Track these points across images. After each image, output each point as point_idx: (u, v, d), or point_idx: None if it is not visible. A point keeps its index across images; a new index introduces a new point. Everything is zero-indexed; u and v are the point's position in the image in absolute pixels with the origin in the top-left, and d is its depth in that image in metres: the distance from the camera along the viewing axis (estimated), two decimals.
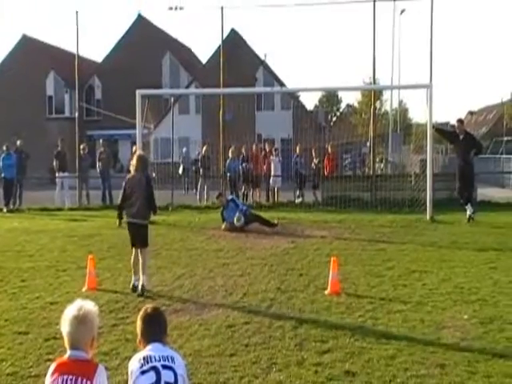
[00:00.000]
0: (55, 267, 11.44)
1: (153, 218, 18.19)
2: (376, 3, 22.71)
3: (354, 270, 10.78)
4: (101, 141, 26.18)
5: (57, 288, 9.77)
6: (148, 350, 4.19)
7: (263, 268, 11.17)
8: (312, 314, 8.12)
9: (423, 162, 27.22)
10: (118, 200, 21.58)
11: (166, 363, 4.08)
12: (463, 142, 17.51)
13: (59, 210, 22.09)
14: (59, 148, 24.15)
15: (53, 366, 4.16)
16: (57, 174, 23.89)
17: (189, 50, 66.84)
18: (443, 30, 78.38)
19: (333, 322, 7.68)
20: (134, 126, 20.53)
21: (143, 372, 4.07)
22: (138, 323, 4.39)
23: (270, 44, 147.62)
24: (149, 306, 4.48)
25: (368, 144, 42.48)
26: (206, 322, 7.80)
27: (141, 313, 4.40)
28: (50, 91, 53.15)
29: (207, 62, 47.69)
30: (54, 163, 23.92)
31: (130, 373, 4.14)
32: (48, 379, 4.11)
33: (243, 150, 24.37)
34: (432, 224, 17.05)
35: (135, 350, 6.62)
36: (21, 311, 8.40)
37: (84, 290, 9.53)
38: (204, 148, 25.05)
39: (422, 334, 7.15)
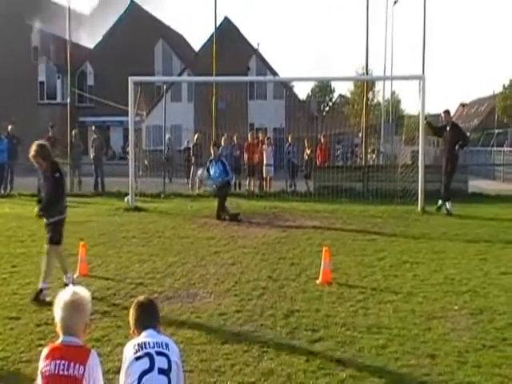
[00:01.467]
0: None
1: (144, 205, 18.34)
2: None
3: (345, 260, 10.81)
4: (93, 128, 25.97)
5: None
6: (143, 337, 4.20)
7: (255, 257, 11.18)
8: (303, 303, 8.14)
9: (414, 153, 27.30)
10: (110, 187, 21.63)
11: (161, 350, 4.09)
12: (450, 133, 17.52)
13: None
14: (50, 134, 23.99)
15: (45, 351, 4.16)
16: None
17: (181, 38, 66.60)
18: (436, 22, 78.63)
19: (324, 312, 7.69)
20: (126, 113, 20.46)
21: (137, 358, 4.08)
22: (132, 312, 4.42)
23: (263, 33, 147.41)
24: (141, 297, 4.54)
25: (360, 135, 42.62)
26: (198, 309, 7.81)
27: (133, 303, 4.43)
28: (41, 77, 52.89)
29: (200, 50, 47.56)
30: None
31: (124, 359, 4.16)
32: (41, 364, 4.12)
33: (235, 139, 24.34)
34: (423, 215, 17.09)
35: (127, 337, 6.65)
36: (12, 296, 8.39)
37: (75, 276, 9.50)
38: (196, 136, 24.96)
39: (413, 325, 7.18)
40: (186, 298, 8.35)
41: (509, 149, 36.44)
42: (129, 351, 4.15)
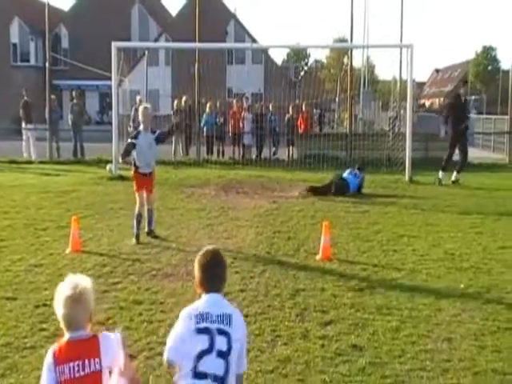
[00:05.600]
0: (33, 226, 11.08)
1: (127, 173, 17.98)
2: None
3: (342, 234, 10.63)
4: (73, 93, 25.27)
5: (39, 249, 9.43)
6: (205, 304, 3.90)
7: (249, 230, 10.97)
8: (307, 281, 7.95)
9: (392, 120, 27.18)
10: (89, 154, 21.19)
11: (222, 327, 3.78)
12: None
13: (29, 162, 21.55)
14: (25, 98, 23.36)
15: (52, 354, 3.82)
16: (23, 126, 23.20)
17: (158, 1, 65.36)
18: None
19: (330, 291, 7.51)
20: (102, 77, 19.96)
21: (198, 331, 3.82)
22: (197, 267, 4.03)
23: None
24: (208, 248, 4.12)
25: (337, 100, 42.40)
26: None
27: (200, 258, 4.01)
28: (14, 38, 51.64)
29: (177, 14, 46.76)
30: (21, 114, 23.19)
31: (181, 323, 3.85)
32: (51, 371, 3.80)
33: (218, 105, 23.98)
34: (411, 185, 17.01)
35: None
36: (5, 274, 8.09)
37: (68, 251, 9.22)
38: (176, 102, 24.41)
39: (423, 305, 7.03)
40: (185, 276, 8.06)
41: (486, 116, 36.49)
42: (187, 319, 3.83)
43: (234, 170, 20.22)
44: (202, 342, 3.75)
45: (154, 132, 10.51)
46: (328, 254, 9.09)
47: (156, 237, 10.34)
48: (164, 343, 5.41)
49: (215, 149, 23.44)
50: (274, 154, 23.67)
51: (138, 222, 10.17)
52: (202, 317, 3.82)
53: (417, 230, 11.12)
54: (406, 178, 17.60)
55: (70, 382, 3.81)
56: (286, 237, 10.48)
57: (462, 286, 7.82)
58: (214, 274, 3.99)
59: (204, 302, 3.92)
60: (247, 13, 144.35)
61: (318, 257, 9.11)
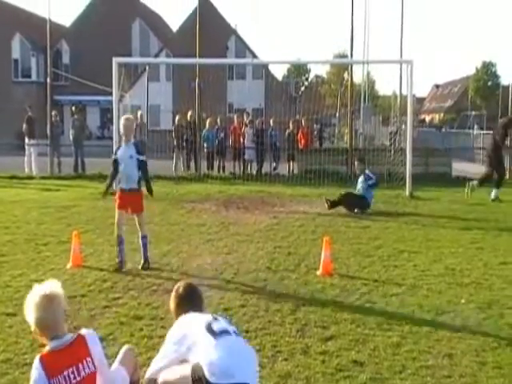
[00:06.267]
0: (34, 241, 11.08)
1: None
2: None
3: (342, 250, 10.63)
4: (73, 108, 25.39)
5: (39, 264, 9.43)
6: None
7: (250, 245, 10.97)
8: (308, 296, 7.95)
9: (392, 135, 27.24)
10: (90, 168, 21.26)
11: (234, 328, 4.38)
12: None
13: (30, 178, 21.60)
14: (29, 113, 23.48)
15: (40, 368, 3.84)
16: (26, 141, 23.29)
17: (159, 17, 65.77)
18: (411, 3, 78.27)
19: (330, 306, 7.50)
20: (102, 92, 20.04)
21: (218, 333, 4.20)
22: (174, 302, 4.42)
23: (241, 13, 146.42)
24: (180, 284, 4.60)
25: (337, 115, 42.51)
26: None
27: (174, 293, 4.55)
28: (15, 54, 51.84)
29: (178, 29, 46.97)
30: (24, 129, 23.29)
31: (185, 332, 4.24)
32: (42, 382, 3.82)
33: (218, 121, 24.04)
34: (411, 200, 17.03)
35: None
36: (5, 289, 8.06)
37: (69, 266, 9.21)
38: (177, 117, 24.49)
39: (423, 321, 7.01)
40: None
41: (487, 131, 36.53)
42: (202, 319, 4.30)
43: (235, 185, 20.26)
44: (204, 318, 4.40)
45: (136, 144, 9.77)
46: (329, 270, 9.09)
47: (148, 268, 9.29)
48: None
49: (216, 164, 23.50)
50: (275, 169, 23.74)
51: (120, 246, 9.43)
52: (213, 317, 4.41)
53: (417, 246, 11.13)
54: (407, 193, 17.63)
55: (59, 369, 3.85)
56: (286, 252, 10.48)
57: (463, 301, 7.81)
58: (193, 300, 4.41)
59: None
60: (248, 28, 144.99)
61: (318, 272, 9.10)
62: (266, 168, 23.49)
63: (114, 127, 18.63)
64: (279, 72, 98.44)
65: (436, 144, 38.14)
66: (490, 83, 78.79)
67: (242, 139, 23.48)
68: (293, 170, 23.06)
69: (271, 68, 48.65)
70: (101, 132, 51.71)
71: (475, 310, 7.46)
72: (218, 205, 15.70)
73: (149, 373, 4.51)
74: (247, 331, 6.56)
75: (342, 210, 15.03)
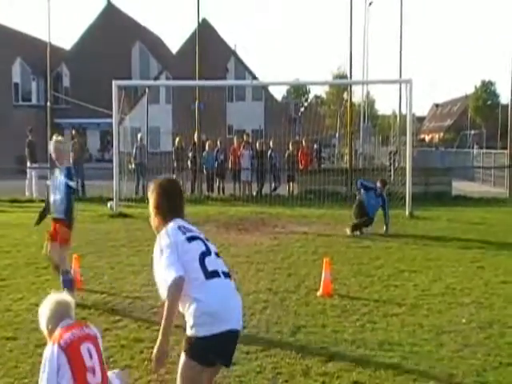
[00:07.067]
0: (35, 264, 11.09)
1: (128, 211, 18.07)
2: None
3: (342, 270, 10.63)
4: (73, 131, 25.51)
5: (40, 288, 9.43)
6: (179, 222, 4.15)
7: (250, 266, 10.96)
8: (308, 317, 7.93)
9: (392, 155, 27.33)
10: (90, 191, 21.28)
11: (204, 238, 4.19)
12: None
13: (30, 201, 21.59)
14: (30, 137, 23.59)
15: (56, 345, 4.13)
16: (28, 165, 23.38)
17: (158, 39, 66.17)
18: (409, 22, 78.70)
19: (331, 327, 7.49)
20: (102, 115, 20.14)
21: (189, 239, 3.95)
22: (156, 196, 4.31)
23: (240, 34, 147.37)
24: (163, 179, 4.42)
25: (337, 136, 42.65)
26: None
27: (156, 186, 4.32)
28: (16, 78, 52.09)
29: (178, 52, 47.24)
30: (26, 153, 23.38)
31: (169, 244, 3.99)
32: (61, 358, 4.08)
33: (218, 143, 24.12)
34: (411, 220, 17.04)
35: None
36: (5, 314, 8.06)
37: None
38: (177, 139, 24.57)
39: (424, 340, 7.00)
40: None
41: (486, 150, 36.66)
42: (175, 235, 4.02)
43: (235, 206, 20.28)
44: (198, 246, 3.92)
45: (68, 169, 8.62)
46: (329, 290, 9.08)
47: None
48: (166, 380, 5.43)
49: (216, 185, 23.57)
50: (275, 189, 23.74)
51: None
52: (185, 228, 3.97)
53: (418, 265, 11.13)
54: (407, 212, 17.63)
55: (76, 341, 4.17)
56: (286, 273, 10.48)
57: (464, 321, 7.79)
58: (179, 201, 4.36)
59: (176, 221, 4.14)
60: (247, 48, 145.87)
61: (319, 293, 9.09)
62: (266, 189, 23.51)
63: (114, 150, 18.72)
64: (279, 93, 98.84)
65: (436, 163, 38.22)
66: (489, 102, 79.01)
67: (240, 160, 23.56)
68: (293, 191, 23.08)
69: (271, 89, 48.89)
70: (101, 154, 51.87)
71: (476, 329, 7.45)
72: (219, 226, 15.71)
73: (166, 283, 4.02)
74: (247, 353, 6.55)
75: (342, 231, 15.01)
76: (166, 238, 3.99)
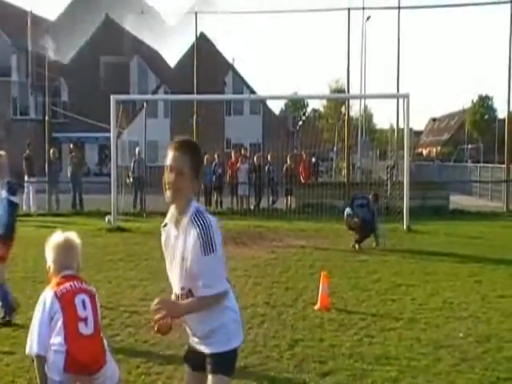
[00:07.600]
0: (32, 279, 11.09)
1: (126, 225, 18.07)
2: (345, 12, 22.98)
3: (340, 284, 10.64)
4: (71, 145, 25.57)
5: (37, 302, 9.37)
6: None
7: (248, 280, 10.96)
8: (305, 331, 7.93)
9: (389, 169, 27.38)
10: (88, 205, 21.26)
11: None
12: None
13: (27, 215, 21.57)
14: (28, 152, 23.63)
15: (51, 292, 4.28)
16: (26, 179, 23.39)
17: (156, 53, 66.39)
18: (406, 37, 79.01)
19: (328, 341, 7.48)
20: (100, 129, 20.19)
21: None
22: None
23: (238, 48, 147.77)
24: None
25: (335, 149, 42.73)
26: None
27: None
28: (14, 92, 52.18)
29: (176, 65, 47.38)
30: (24, 167, 23.41)
31: (220, 244, 3.65)
32: (55, 305, 4.22)
33: (216, 157, 24.16)
34: (409, 234, 17.05)
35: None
36: (2, 328, 8.05)
37: None
38: None
39: (421, 355, 7.00)
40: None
41: (483, 165, 36.71)
42: (219, 234, 3.68)
43: (233, 220, 20.26)
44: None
45: (9, 183, 8.32)
46: (326, 304, 9.08)
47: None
48: None
49: (213, 199, 23.60)
50: (273, 202, 23.74)
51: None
52: None
53: (415, 279, 11.13)
54: (404, 226, 17.64)
55: (72, 292, 4.29)
56: (284, 287, 10.48)
57: (461, 335, 7.79)
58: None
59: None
60: (245, 62, 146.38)
61: (316, 307, 9.09)
62: (264, 203, 23.53)
63: (113, 164, 18.74)
64: (276, 106, 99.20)
65: (433, 177, 38.30)
66: (486, 116, 79.23)
67: (237, 174, 23.61)
68: (290, 205, 23.09)
69: (268, 103, 49.02)
70: (99, 168, 51.89)
71: (473, 343, 7.45)
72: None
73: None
74: (245, 367, 6.55)
75: (340, 244, 15.04)
76: (218, 232, 3.59)
